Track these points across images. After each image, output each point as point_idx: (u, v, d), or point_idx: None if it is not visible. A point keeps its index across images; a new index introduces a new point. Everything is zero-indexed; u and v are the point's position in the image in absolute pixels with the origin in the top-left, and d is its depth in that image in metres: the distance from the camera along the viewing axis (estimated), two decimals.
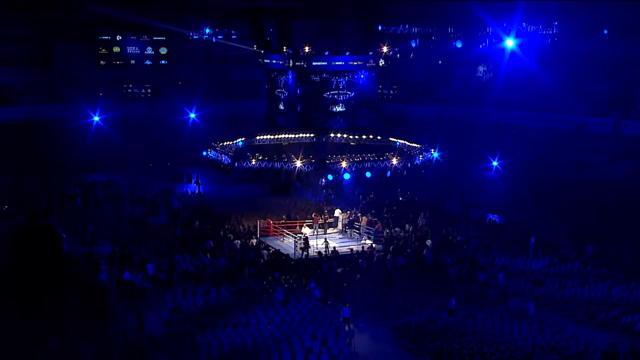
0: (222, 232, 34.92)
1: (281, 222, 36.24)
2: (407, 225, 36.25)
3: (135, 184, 43.63)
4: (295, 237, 33.63)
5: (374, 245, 33.58)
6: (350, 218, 36.59)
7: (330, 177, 41.35)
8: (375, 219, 36.90)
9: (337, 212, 37.16)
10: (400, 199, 41.80)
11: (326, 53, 57.57)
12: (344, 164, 39.91)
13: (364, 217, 36.29)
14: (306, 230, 34.45)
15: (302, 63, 56.69)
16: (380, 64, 57.64)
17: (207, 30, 71.31)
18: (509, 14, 58.08)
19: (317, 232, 35.60)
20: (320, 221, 36.44)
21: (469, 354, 22.70)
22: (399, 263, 31.19)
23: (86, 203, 40.15)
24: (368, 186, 43.19)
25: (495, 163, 46.41)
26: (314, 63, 56.93)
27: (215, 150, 46.68)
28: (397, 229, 35.61)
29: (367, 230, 35.12)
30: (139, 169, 47.87)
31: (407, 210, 39.03)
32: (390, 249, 32.86)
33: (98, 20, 64.88)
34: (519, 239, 34.41)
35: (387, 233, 34.81)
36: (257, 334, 24.02)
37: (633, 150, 48.89)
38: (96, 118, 56.95)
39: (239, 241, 33.65)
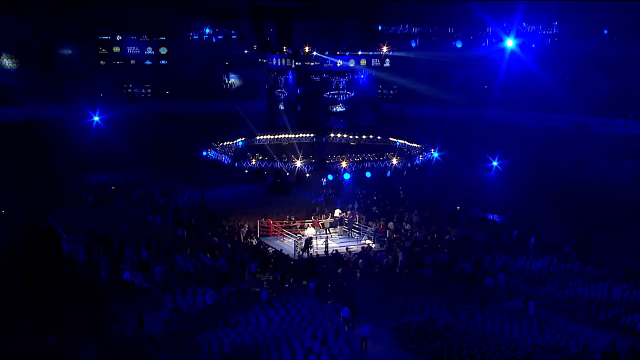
0: (222, 232, 34.91)
1: (282, 222, 36.24)
2: (407, 225, 36.32)
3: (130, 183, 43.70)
4: (295, 238, 33.65)
5: (372, 245, 33.61)
6: (347, 218, 36.72)
7: (330, 177, 41.38)
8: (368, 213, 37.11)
9: (337, 212, 37.17)
10: (404, 198, 41.91)
11: (326, 53, 57.57)
12: (344, 164, 39.86)
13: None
14: (308, 231, 34.44)
15: (302, 63, 56.70)
16: (374, 64, 57.65)
17: (207, 30, 71.35)
18: (509, 14, 58.10)
19: (318, 233, 35.60)
20: (322, 221, 36.46)
21: (469, 354, 22.71)
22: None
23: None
24: (368, 186, 43.22)
25: (495, 163, 46.35)
26: (313, 63, 56.93)
27: (215, 150, 46.62)
28: (390, 224, 35.72)
29: (368, 230, 35.20)
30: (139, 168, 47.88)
31: (402, 209, 39.11)
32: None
33: (98, 20, 64.90)
34: (520, 239, 34.43)
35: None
36: (257, 334, 24.03)
37: (633, 150, 48.84)
38: (96, 118, 56.80)
39: (237, 239, 33.72)
